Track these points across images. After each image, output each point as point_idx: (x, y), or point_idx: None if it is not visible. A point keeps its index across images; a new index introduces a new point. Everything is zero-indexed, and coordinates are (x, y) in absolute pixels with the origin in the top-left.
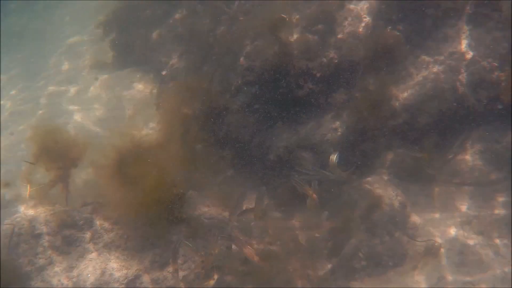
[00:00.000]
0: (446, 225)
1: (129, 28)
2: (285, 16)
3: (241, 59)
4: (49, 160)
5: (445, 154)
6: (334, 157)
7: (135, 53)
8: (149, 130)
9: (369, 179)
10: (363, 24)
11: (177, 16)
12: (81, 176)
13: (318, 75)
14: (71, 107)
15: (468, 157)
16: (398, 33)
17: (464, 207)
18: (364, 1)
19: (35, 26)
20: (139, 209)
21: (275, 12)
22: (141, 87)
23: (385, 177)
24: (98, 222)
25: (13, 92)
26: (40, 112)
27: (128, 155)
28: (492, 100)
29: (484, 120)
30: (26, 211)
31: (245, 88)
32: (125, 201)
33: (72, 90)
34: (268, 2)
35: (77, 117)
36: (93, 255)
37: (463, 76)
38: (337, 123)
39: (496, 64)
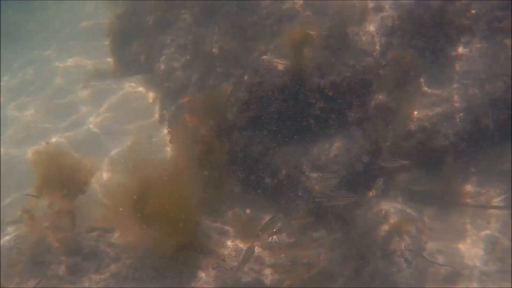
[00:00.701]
0: (464, 250)
1: (131, 35)
2: (312, 32)
3: (249, 73)
4: (52, 190)
5: (460, 176)
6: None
7: (138, 61)
8: (155, 147)
9: (383, 203)
10: (377, 41)
11: (181, 24)
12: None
13: (330, 93)
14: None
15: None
16: (412, 51)
17: (482, 232)
18: (378, 17)
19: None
20: (150, 239)
21: (300, 26)
22: (142, 96)
23: (400, 200)
24: (104, 250)
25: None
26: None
27: (142, 181)
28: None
29: (499, 141)
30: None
31: (254, 104)
32: (136, 230)
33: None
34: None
35: (69, 133)
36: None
37: (477, 96)
38: (350, 143)
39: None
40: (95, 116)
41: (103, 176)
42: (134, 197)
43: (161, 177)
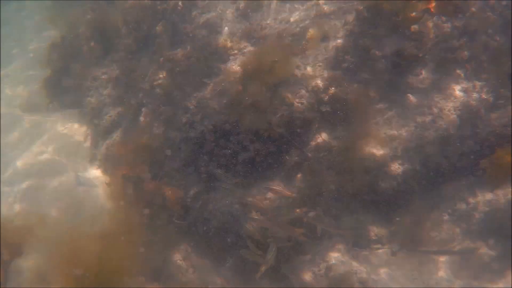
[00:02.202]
0: None
1: (66, 65)
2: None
3: (181, 112)
4: None
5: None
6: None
7: (71, 94)
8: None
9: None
10: (318, 75)
11: (114, 56)
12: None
13: (265, 134)
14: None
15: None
16: (356, 85)
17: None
18: (322, 48)
19: None
20: None
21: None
22: (74, 133)
23: (342, 248)
24: None
25: None
26: None
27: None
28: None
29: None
30: None
31: (185, 146)
32: None
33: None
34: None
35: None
36: None
37: (429, 133)
38: (289, 188)
39: (465, 118)
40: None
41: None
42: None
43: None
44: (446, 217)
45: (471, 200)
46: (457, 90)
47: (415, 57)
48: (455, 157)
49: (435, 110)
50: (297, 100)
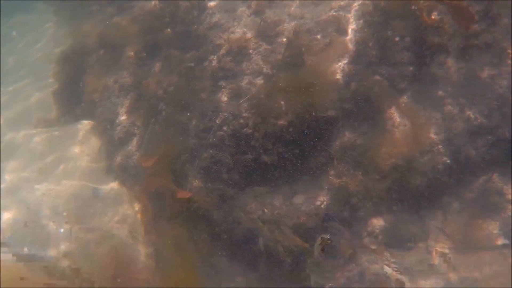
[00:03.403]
0: None
1: (75, 76)
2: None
3: (198, 118)
4: None
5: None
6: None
7: (82, 105)
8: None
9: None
10: (338, 70)
11: (124, 63)
12: None
13: (288, 136)
14: None
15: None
16: (380, 79)
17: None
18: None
19: None
20: None
21: None
22: (86, 143)
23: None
24: None
25: None
26: None
27: None
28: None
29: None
30: None
31: (205, 153)
32: None
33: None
34: None
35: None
36: None
37: (457, 124)
38: (315, 191)
39: (494, 106)
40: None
41: None
42: None
43: None
44: (479, 212)
45: (505, 192)
46: (483, 78)
47: (437, 45)
48: (485, 148)
49: (462, 100)
50: (318, 98)
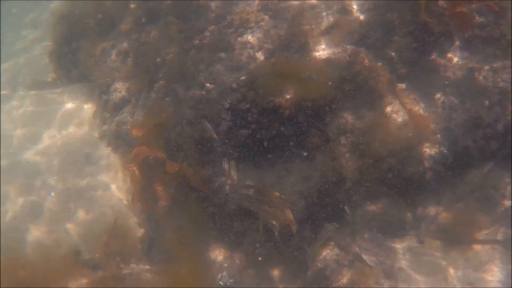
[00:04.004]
0: None
1: (73, 39)
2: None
3: (195, 89)
4: None
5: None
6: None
7: (78, 68)
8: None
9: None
10: (339, 50)
11: (123, 28)
12: None
13: (286, 113)
14: None
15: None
16: (380, 63)
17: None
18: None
19: None
20: None
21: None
22: (82, 108)
23: (366, 235)
24: None
25: None
26: None
27: None
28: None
29: (480, 163)
30: None
31: (200, 125)
32: None
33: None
34: None
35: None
36: None
37: (457, 115)
38: (309, 171)
39: (495, 99)
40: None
41: None
42: None
43: None
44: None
45: (500, 186)
46: (486, 70)
47: (441, 33)
48: (483, 141)
49: (464, 91)
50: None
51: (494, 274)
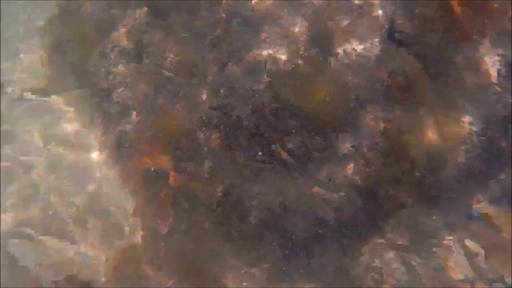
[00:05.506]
0: None
1: (68, 41)
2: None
3: (208, 94)
4: None
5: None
6: None
7: (76, 71)
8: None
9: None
10: (369, 46)
11: (124, 28)
12: None
13: (314, 120)
14: None
15: None
16: (412, 59)
17: None
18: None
19: None
20: None
21: None
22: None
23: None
24: None
25: None
26: None
27: None
28: None
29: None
30: None
31: (215, 134)
32: None
33: None
34: None
35: None
36: None
37: (493, 113)
38: (340, 179)
39: None
40: None
41: None
42: None
43: None
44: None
45: None
46: None
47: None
48: None
49: (498, 88)
50: (350, 78)
51: None
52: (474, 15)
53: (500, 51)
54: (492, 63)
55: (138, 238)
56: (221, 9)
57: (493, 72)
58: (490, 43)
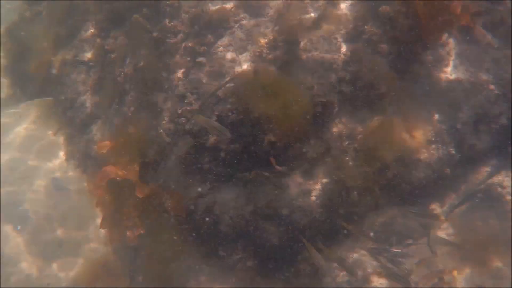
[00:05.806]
0: None
1: (29, 49)
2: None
3: (174, 100)
4: None
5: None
6: None
7: (37, 82)
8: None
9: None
10: (335, 49)
11: (84, 35)
12: None
13: (281, 126)
14: None
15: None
16: (379, 59)
17: None
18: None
19: None
20: None
21: None
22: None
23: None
24: None
25: None
26: None
27: None
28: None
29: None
30: None
31: (182, 141)
32: None
33: None
34: None
35: None
36: None
37: (462, 112)
38: (310, 184)
39: (500, 92)
40: None
41: None
42: None
43: None
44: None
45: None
46: (489, 61)
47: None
48: (487, 137)
49: (467, 85)
50: (316, 81)
51: None
52: (437, 13)
53: (464, 48)
54: (458, 62)
55: (108, 249)
56: (183, 13)
57: (460, 70)
58: (454, 41)
